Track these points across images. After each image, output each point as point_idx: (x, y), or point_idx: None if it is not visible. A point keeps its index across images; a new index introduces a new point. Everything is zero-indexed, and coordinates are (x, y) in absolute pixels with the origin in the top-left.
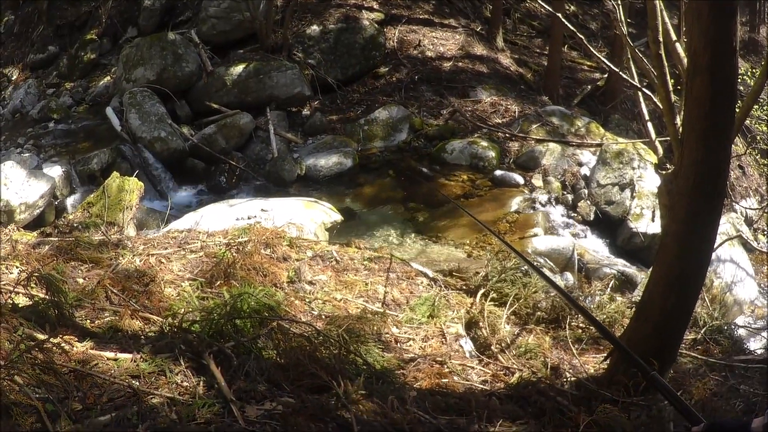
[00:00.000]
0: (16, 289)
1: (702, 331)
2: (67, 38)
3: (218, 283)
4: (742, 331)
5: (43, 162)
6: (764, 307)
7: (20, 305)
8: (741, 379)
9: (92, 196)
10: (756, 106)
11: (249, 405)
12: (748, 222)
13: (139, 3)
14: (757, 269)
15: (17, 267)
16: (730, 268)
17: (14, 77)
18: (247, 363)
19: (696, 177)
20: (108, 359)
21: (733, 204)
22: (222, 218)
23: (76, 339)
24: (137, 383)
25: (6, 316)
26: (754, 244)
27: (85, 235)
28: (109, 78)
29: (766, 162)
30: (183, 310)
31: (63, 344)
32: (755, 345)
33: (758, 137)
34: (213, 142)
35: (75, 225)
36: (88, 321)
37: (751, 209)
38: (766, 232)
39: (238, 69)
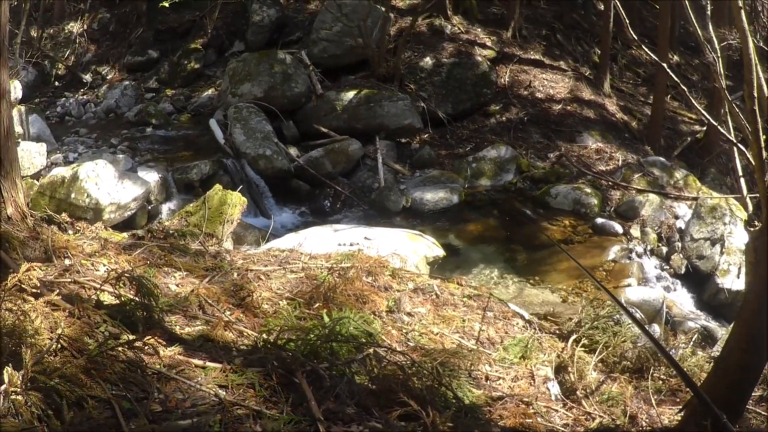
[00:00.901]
0: (103, 287)
1: None
2: (168, 44)
3: (317, 305)
4: None
5: (138, 165)
6: None
7: (105, 303)
8: None
9: (191, 205)
10: None
11: (336, 426)
12: None
13: (247, 17)
14: None
15: (104, 265)
16: None
17: (109, 77)
18: (338, 385)
19: None
20: (195, 366)
21: None
22: (324, 242)
23: (164, 343)
24: (224, 393)
25: (89, 311)
26: None
27: (182, 242)
28: (213, 90)
29: None
30: (279, 327)
31: (147, 347)
32: None
33: None
34: (319, 166)
35: (170, 232)
36: (178, 327)
37: None
38: None
39: (349, 95)
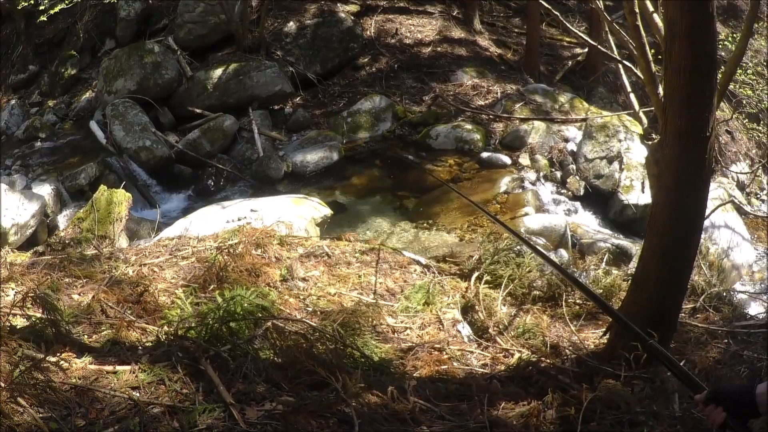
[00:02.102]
0: (13, 311)
1: (701, 299)
2: (47, 56)
3: (212, 287)
4: (741, 297)
5: (32, 181)
6: (763, 271)
7: (18, 326)
8: (744, 345)
9: (81, 211)
10: (740, 71)
11: (249, 407)
12: (740, 186)
13: (115, 14)
14: (752, 233)
15: (13, 289)
16: (725, 233)
17: None
18: (244, 365)
19: (681, 145)
20: (108, 372)
21: (724, 169)
22: (213, 222)
23: (75, 356)
24: (138, 394)
25: (5, 338)
26: (748, 208)
27: (78, 250)
28: (90, 92)
29: (753, 126)
30: (178, 317)
31: (62, 362)
32: (756, 309)
33: (744, 101)
34: (198, 147)
35: (67, 241)
36: (86, 336)
37: (742, 173)
38: (759, 196)
39: (218, 72)
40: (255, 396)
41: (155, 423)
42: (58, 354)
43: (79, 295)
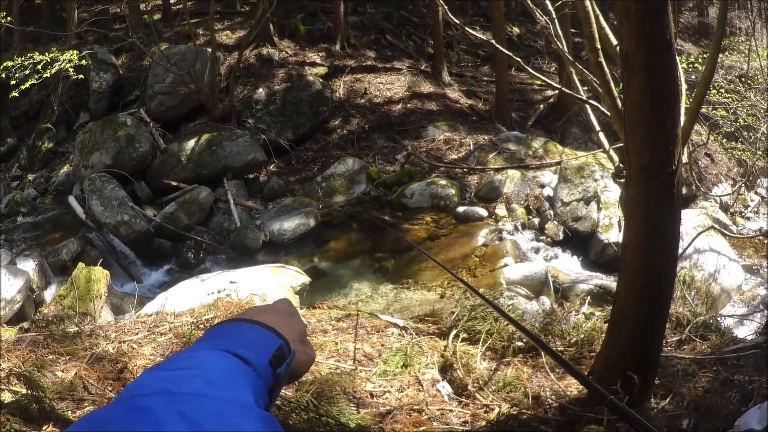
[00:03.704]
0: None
1: (686, 330)
2: (24, 128)
3: None
4: (729, 321)
5: (16, 256)
6: (752, 290)
7: (5, 401)
8: (734, 370)
9: (62, 288)
10: (713, 91)
11: None
12: (724, 208)
13: (88, 87)
14: (739, 252)
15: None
16: (711, 257)
17: None
18: None
19: (646, 182)
20: None
21: (705, 194)
22: (192, 295)
23: (60, 431)
24: None
25: None
26: (733, 228)
27: (60, 327)
28: (68, 166)
29: (732, 145)
30: None
31: None
32: (745, 332)
33: (720, 122)
34: (176, 220)
35: (50, 318)
36: (69, 412)
37: (724, 195)
38: (743, 214)
39: (191, 143)
40: None
41: None
42: (44, 429)
43: (62, 371)
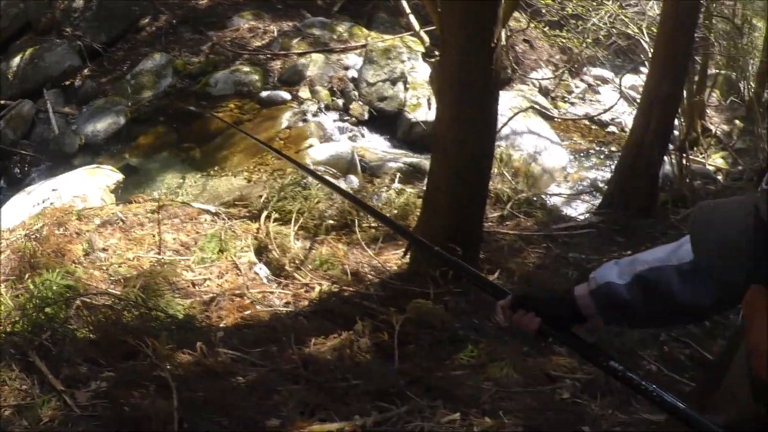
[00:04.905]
0: None
1: (508, 206)
2: None
3: (27, 276)
4: (557, 200)
5: None
6: (578, 172)
7: None
8: (567, 248)
9: None
10: None
11: (78, 390)
12: (544, 92)
13: None
14: (564, 137)
15: None
16: (530, 139)
17: None
18: (64, 348)
19: (461, 60)
20: None
21: (522, 77)
22: (22, 210)
23: None
24: None
25: None
26: (555, 112)
27: None
28: None
29: (555, 32)
30: (2, 314)
31: None
32: (576, 211)
33: (543, 10)
34: (3, 137)
35: None
36: None
37: (545, 79)
38: (567, 99)
39: (16, 60)
40: (80, 377)
41: (9, 425)
42: None
43: None
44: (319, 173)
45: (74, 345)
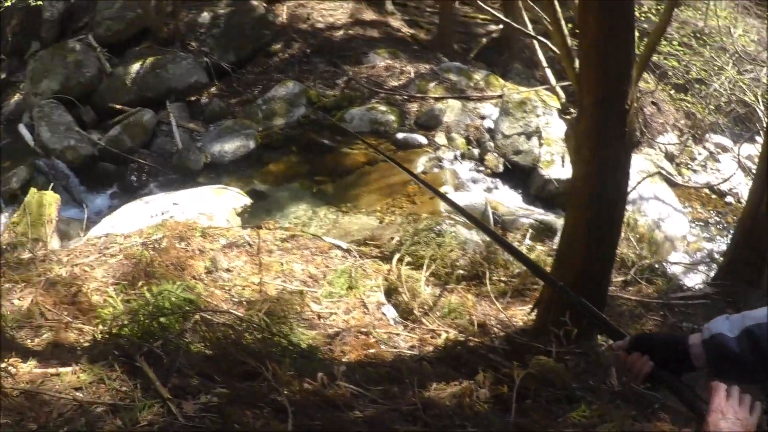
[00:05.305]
0: None
1: (632, 272)
2: None
3: (140, 283)
4: (676, 268)
5: None
6: (698, 241)
7: None
8: (682, 317)
9: (15, 215)
10: (665, 42)
11: (185, 401)
12: (669, 157)
13: (40, 16)
14: (685, 204)
15: None
16: (655, 205)
17: None
18: (177, 359)
19: (598, 117)
20: (51, 375)
21: (650, 141)
22: (137, 218)
23: (21, 360)
24: (81, 395)
25: None
26: (678, 179)
27: (14, 255)
28: (19, 95)
29: (681, 96)
30: (111, 316)
31: (10, 367)
32: (693, 281)
33: (669, 73)
34: (120, 143)
35: (4, 247)
36: (29, 340)
37: (671, 144)
38: (689, 166)
39: (136, 66)
40: (190, 389)
41: (100, 422)
42: (6, 360)
43: (19, 299)
44: (456, 221)
45: (188, 358)
